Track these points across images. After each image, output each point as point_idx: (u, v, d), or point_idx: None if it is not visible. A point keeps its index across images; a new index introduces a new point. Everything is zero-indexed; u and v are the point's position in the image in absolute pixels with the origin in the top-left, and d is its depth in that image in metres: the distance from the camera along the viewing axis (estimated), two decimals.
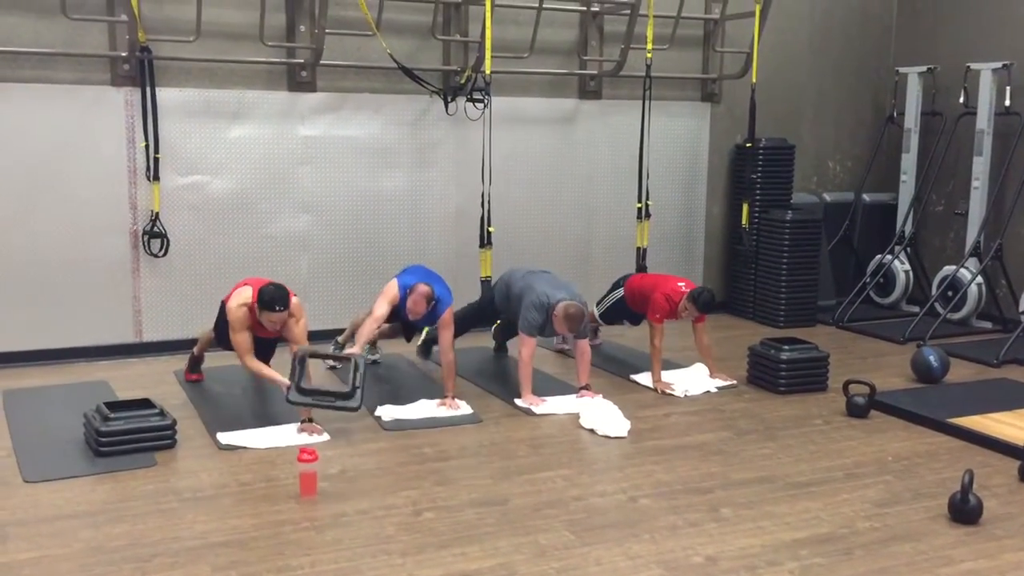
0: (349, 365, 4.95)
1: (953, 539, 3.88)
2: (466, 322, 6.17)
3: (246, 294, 5.00)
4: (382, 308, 5.41)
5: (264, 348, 5.19)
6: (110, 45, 6.21)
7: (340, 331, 6.72)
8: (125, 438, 4.55)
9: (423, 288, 5.33)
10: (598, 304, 6.61)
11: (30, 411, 5.27)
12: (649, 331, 6.02)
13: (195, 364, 5.83)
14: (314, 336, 6.29)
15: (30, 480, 4.31)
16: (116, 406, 4.69)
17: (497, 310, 6.15)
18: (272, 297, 4.86)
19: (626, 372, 6.24)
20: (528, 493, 4.27)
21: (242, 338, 4.98)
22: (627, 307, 6.39)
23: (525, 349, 5.57)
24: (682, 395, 5.80)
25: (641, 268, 7.29)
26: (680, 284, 6.06)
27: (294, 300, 4.99)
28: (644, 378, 6.05)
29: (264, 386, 5.66)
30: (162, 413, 4.71)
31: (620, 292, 6.43)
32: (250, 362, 4.98)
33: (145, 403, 4.75)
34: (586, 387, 5.65)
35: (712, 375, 6.07)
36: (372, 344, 6.12)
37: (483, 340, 6.67)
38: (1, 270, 6.09)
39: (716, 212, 8.26)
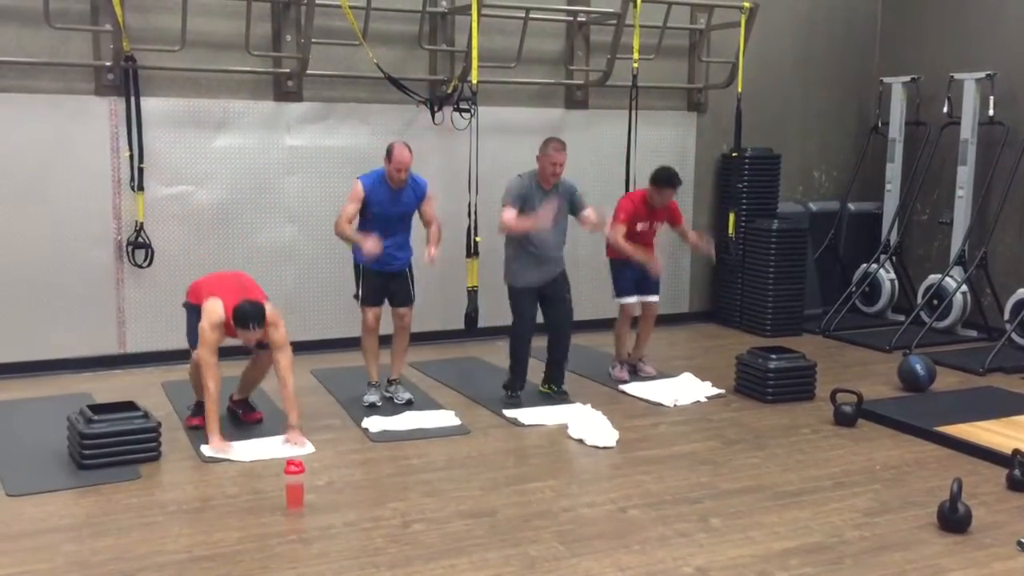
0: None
1: (942, 548, 3.88)
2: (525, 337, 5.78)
3: (218, 312, 4.77)
4: (352, 207, 5.39)
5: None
6: (94, 54, 6.17)
7: (325, 342, 6.71)
8: (109, 440, 4.51)
9: (398, 146, 5.32)
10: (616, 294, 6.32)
11: (13, 424, 5.22)
12: (612, 237, 5.93)
13: (200, 408, 5.31)
14: (300, 347, 6.26)
15: (12, 494, 4.25)
16: (100, 409, 4.66)
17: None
18: (245, 315, 4.69)
19: (615, 382, 6.22)
20: (517, 504, 4.25)
21: (213, 361, 4.75)
22: (617, 264, 6.18)
23: (505, 214, 5.45)
24: (672, 404, 5.79)
25: None
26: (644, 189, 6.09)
27: (269, 308, 4.87)
28: (633, 388, 6.03)
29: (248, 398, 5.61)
30: (146, 416, 4.68)
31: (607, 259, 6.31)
32: (213, 387, 4.75)
33: (129, 406, 4.71)
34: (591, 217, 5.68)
35: (699, 242, 6.18)
36: (399, 382, 5.76)
37: (471, 351, 6.65)
38: None
39: (702, 221, 8.26)
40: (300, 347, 6.22)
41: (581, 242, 7.68)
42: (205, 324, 4.76)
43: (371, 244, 5.29)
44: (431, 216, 5.60)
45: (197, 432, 5.00)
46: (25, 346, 6.17)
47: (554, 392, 5.86)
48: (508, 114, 7.30)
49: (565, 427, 5.25)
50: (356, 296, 5.61)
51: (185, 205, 6.49)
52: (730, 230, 7.90)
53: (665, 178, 6.02)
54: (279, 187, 6.75)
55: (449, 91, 6.93)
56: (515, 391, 5.76)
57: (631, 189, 7.30)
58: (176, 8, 6.09)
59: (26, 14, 5.94)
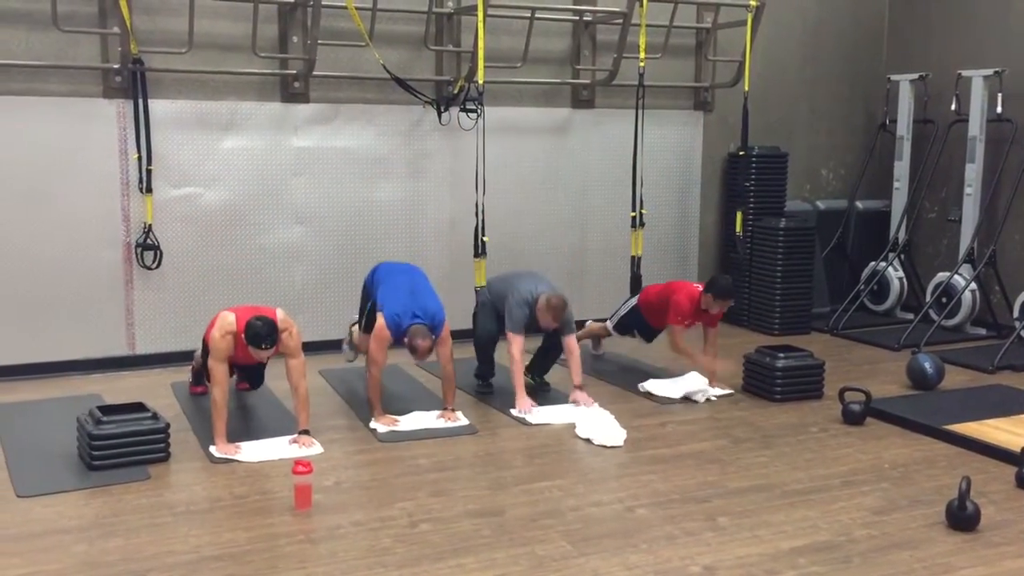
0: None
1: (951, 546, 3.87)
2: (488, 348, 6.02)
3: (229, 320, 4.82)
4: (380, 354, 5.22)
5: (255, 366, 5.17)
6: (102, 57, 6.19)
7: (333, 342, 6.72)
8: (118, 441, 4.53)
9: (421, 339, 5.06)
10: (611, 316, 6.58)
11: (23, 425, 5.24)
12: (670, 336, 6.01)
13: (199, 377, 5.66)
14: (308, 348, 6.28)
15: (23, 495, 4.27)
16: (109, 410, 4.67)
17: (494, 324, 5.97)
18: (257, 334, 4.68)
19: (623, 382, 6.22)
20: (524, 504, 4.25)
21: (220, 369, 4.78)
22: (641, 316, 6.32)
23: (514, 347, 5.55)
24: (679, 402, 5.77)
25: (636, 277, 7.26)
26: (698, 286, 6.05)
27: (280, 314, 4.89)
28: (652, 386, 5.98)
29: (257, 400, 5.64)
30: (156, 417, 4.69)
31: (634, 301, 6.38)
32: (219, 395, 4.77)
33: (138, 407, 4.73)
34: (580, 387, 5.63)
35: (711, 383, 6.04)
36: None
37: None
38: None
39: (710, 220, 8.26)
40: (308, 347, 6.23)
41: (587, 245, 7.71)
42: (216, 333, 4.81)
43: (385, 420, 5.27)
44: (445, 359, 5.30)
45: (206, 433, 5.02)
46: (34, 348, 6.19)
47: (536, 382, 5.99)
48: (514, 114, 7.31)
49: (573, 426, 5.25)
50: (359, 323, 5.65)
51: (193, 206, 6.51)
52: (738, 229, 7.88)
53: (729, 290, 5.94)
54: (287, 188, 6.77)
55: (455, 91, 6.94)
56: (487, 379, 6.00)
57: (638, 188, 7.30)
58: (183, 10, 6.11)
59: (34, 17, 5.96)
